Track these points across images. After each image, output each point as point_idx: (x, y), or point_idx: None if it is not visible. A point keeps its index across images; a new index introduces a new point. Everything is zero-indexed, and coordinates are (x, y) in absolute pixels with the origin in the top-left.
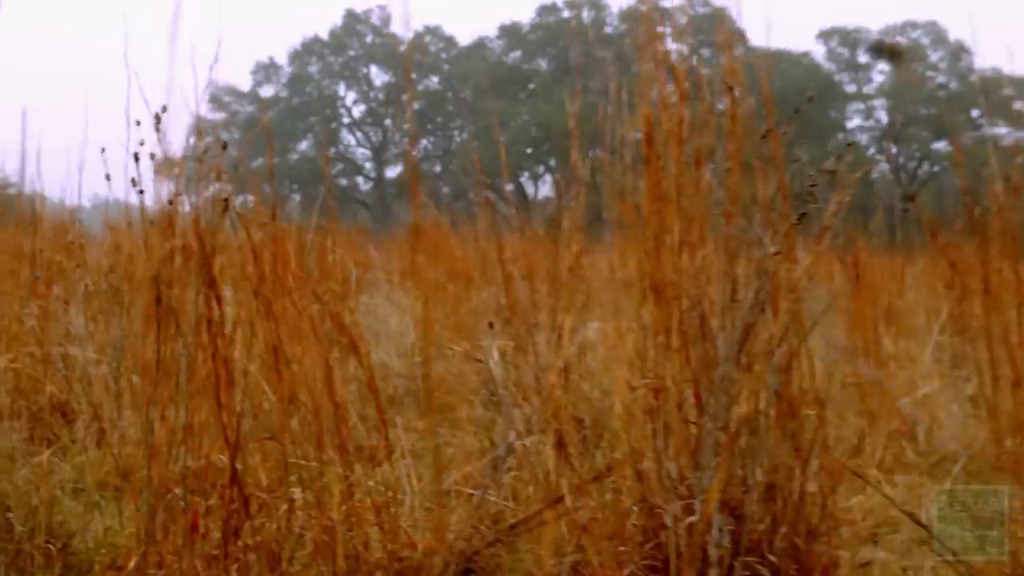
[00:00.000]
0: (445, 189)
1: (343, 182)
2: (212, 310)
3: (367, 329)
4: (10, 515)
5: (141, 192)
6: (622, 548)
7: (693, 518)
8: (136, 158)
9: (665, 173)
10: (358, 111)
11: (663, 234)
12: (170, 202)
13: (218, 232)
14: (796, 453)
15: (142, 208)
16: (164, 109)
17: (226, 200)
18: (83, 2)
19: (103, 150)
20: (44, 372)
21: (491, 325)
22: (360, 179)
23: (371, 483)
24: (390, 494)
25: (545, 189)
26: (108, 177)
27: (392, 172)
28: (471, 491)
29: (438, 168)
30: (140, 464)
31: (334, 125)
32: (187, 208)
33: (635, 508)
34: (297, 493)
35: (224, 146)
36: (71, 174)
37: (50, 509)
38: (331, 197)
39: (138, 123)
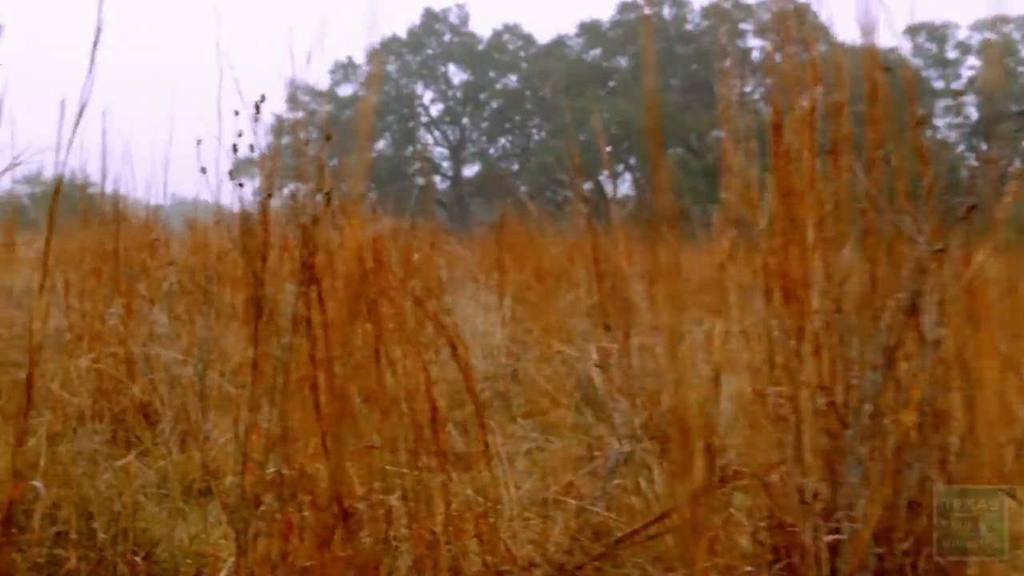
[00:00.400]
0: (523, 188)
1: (420, 181)
2: (312, 310)
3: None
4: (93, 522)
5: (241, 185)
6: (748, 569)
7: (832, 538)
8: (235, 149)
9: (795, 164)
10: (436, 110)
11: (792, 230)
12: (268, 195)
13: (320, 228)
14: (941, 467)
15: (240, 203)
16: (263, 99)
17: (328, 194)
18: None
19: (199, 142)
20: (127, 373)
21: (607, 328)
22: (437, 178)
23: (469, 492)
24: (489, 503)
25: (624, 187)
26: (204, 170)
27: (469, 171)
28: (571, 500)
29: (516, 167)
30: (226, 469)
31: (412, 124)
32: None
33: (761, 524)
34: (395, 502)
35: (328, 137)
36: (155, 172)
37: (133, 515)
38: (429, 194)
39: (236, 113)
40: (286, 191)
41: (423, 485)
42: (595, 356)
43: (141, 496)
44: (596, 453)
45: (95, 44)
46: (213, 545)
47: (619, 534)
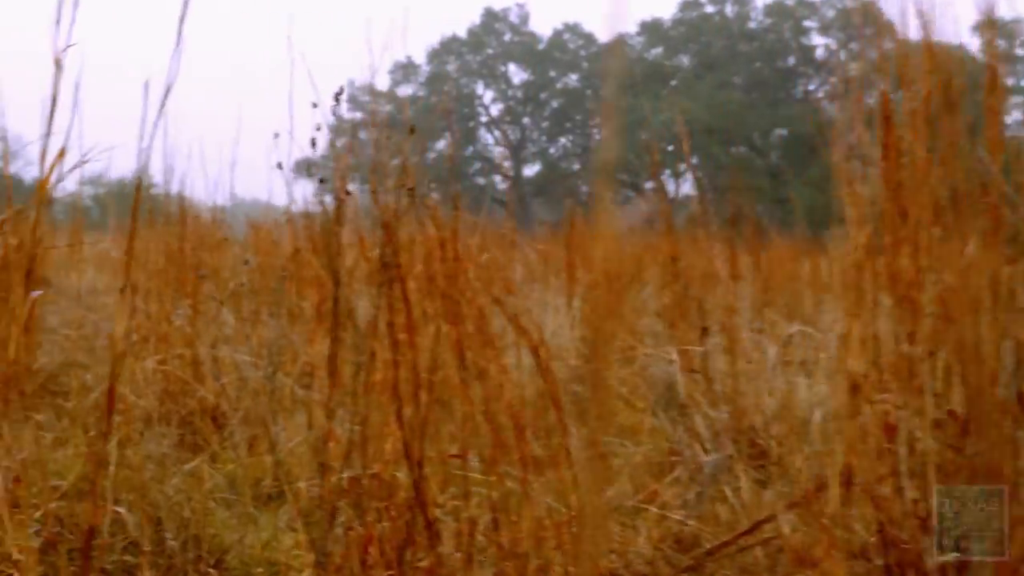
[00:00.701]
0: (583, 187)
1: (480, 181)
2: (394, 312)
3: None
4: (162, 529)
5: (322, 181)
6: None
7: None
8: (313, 143)
9: (907, 160)
10: (496, 109)
11: (903, 229)
12: (347, 192)
13: (403, 226)
14: None
15: (320, 199)
16: (341, 91)
17: (411, 190)
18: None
19: (276, 135)
20: (194, 375)
21: (705, 331)
22: (497, 178)
23: (550, 499)
24: (571, 512)
25: (686, 187)
26: (280, 166)
27: (530, 171)
28: (653, 508)
29: (576, 166)
30: (298, 473)
31: (472, 124)
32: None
33: (871, 540)
34: (476, 511)
35: (412, 130)
36: (221, 172)
37: (203, 521)
38: (513, 191)
39: (315, 105)
40: (352, 190)
41: (505, 493)
42: (675, 358)
43: (210, 501)
44: (674, 459)
45: (177, 49)
46: (285, 552)
47: (706, 544)
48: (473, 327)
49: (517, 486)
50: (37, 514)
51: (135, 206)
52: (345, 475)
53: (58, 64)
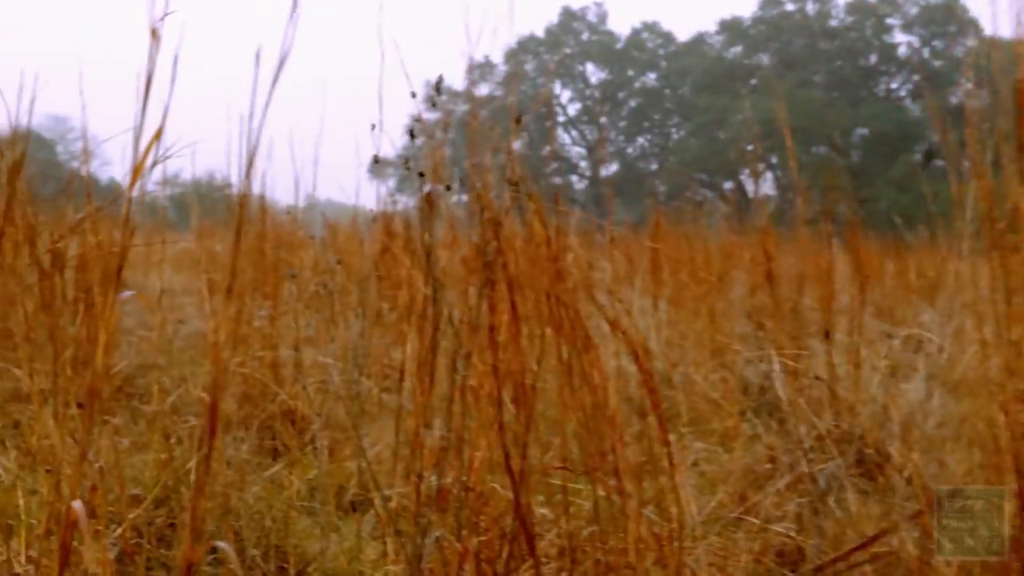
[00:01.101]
0: (661, 187)
1: (557, 181)
2: (495, 315)
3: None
4: (242, 538)
5: (421, 175)
6: None
7: None
8: (411, 135)
9: None
10: (573, 109)
11: None
12: (447, 187)
13: (505, 225)
14: None
15: (423, 193)
16: (440, 79)
17: (516, 185)
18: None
19: (373, 127)
20: (274, 377)
21: (827, 335)
22: (574, 177)
23: (649, 511)
24: (672, 525)
25: (766, 187)
26: (377, 160)
27: (607, 171)
28: (753, 519)
29: (654, 166)
30: (381, 480)
31: (549, 123)
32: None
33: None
34: (575, 523)
35: (518, 120)
36: (302, 172)
37: (284, 529)
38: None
39: (413, 95)
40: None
41: (606, 505)
42: (774, 362)
43: (292, 509)
44: (768, 465)
45: (281, 66)
46: (371, 563)
47: (813, 558)
48: (574, 330)
49: (617, 497)
50: (114, 527)
51: (240, 213)
52: (436, 483)
53: (155, 35)
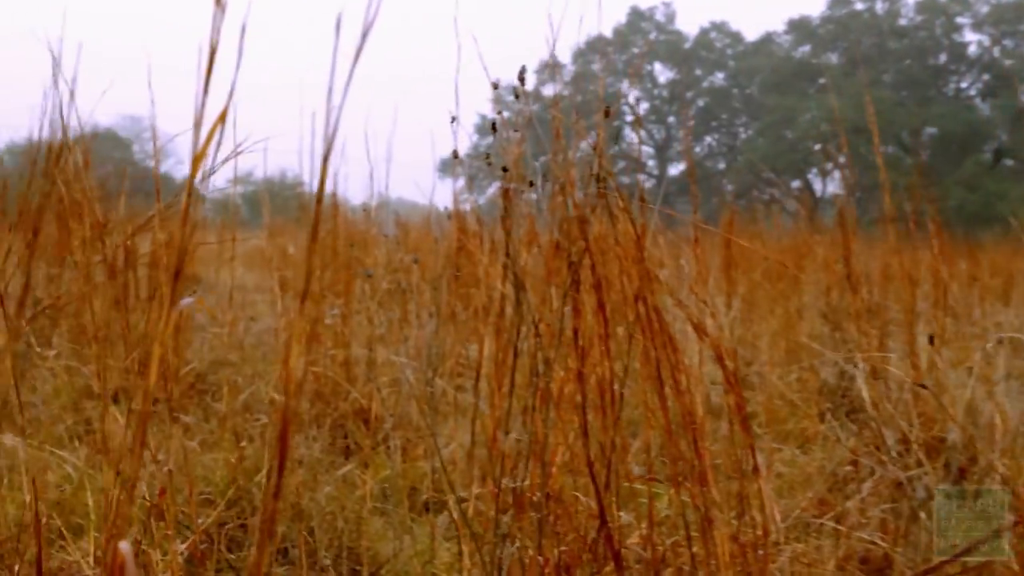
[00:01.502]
0: (729, 186)
1: (625, 180)
2: (579, 318)
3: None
4: (313, 540)
5: (505, 169)
6: None
7: None
8: (493, 128)
9: None
10: (641, 108)
11: None
12: (530, 183)
13: (592, 224)
14: None
15: (501, 188)
16: (524, 70)
17: (602, 180)
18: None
19: (453, 119)
20: (346, 376)
21: (932, 340)
22: (642, 177)
23: (732, 517)
24: (757, 533)
25: (833, 186)
26: (456, 155)
27: (675, 170)
28: (837, 525)
29: (721, 165)
30: (454, 480)
31: (617, 123)
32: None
33: None
34: (660, 533)
35: (607, 113)
36: (376, 169)
37: (357, 531)
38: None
39: (495, 86)
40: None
41: (690, 513)
42: (861, 364)
43: (364, 510)
44: (848, 468)
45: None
46: (446, 566)
47: (902, 568)
48: (660, 333)
49: (702, 506)
50: (185, 530)
51: (322, 177)
52: (513, 487)
53: (219, 2)
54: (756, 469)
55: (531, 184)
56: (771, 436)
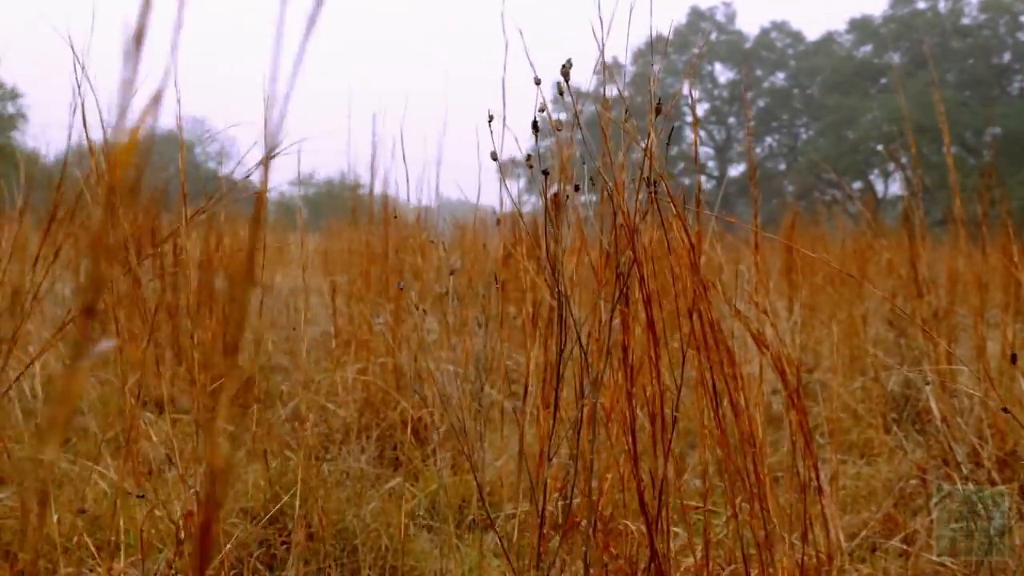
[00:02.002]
0: (789, 187)
1: (685, 181)
2: (628, 334)
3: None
4: (356, 559)
5: (545, 173)
6: None
7: None
8: (535, 127)
9: None
10: (701, 109)
11: None
12: (575, 187)
13: (642, 232)
14: None
15: (549, 193)
16: (569, 63)
17: (655, 184)
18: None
19: (491, 119)
20: (395, 385)
21: (1014, 359)
22: (702, 178)
23: (795, 538)
24: (821, 554)
25: (895, 187)
26: (494, 156)
27: (735, 170)
28: (902, 546)
29: (782, 166)
30: (501, 494)
31: (677, 124)
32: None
33: None
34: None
35: (659, 109)
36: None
37: (402, 550)
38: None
39: (538, 81)
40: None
41: (748, 536)
42: (928, 374)
43: (409, 527)
44: (914, 482)
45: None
46: None
47: None
48: (717, 348)
49: (761, 531)
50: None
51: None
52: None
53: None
54: (820, 490)
55: (576, 188)
56: (833, 447)
